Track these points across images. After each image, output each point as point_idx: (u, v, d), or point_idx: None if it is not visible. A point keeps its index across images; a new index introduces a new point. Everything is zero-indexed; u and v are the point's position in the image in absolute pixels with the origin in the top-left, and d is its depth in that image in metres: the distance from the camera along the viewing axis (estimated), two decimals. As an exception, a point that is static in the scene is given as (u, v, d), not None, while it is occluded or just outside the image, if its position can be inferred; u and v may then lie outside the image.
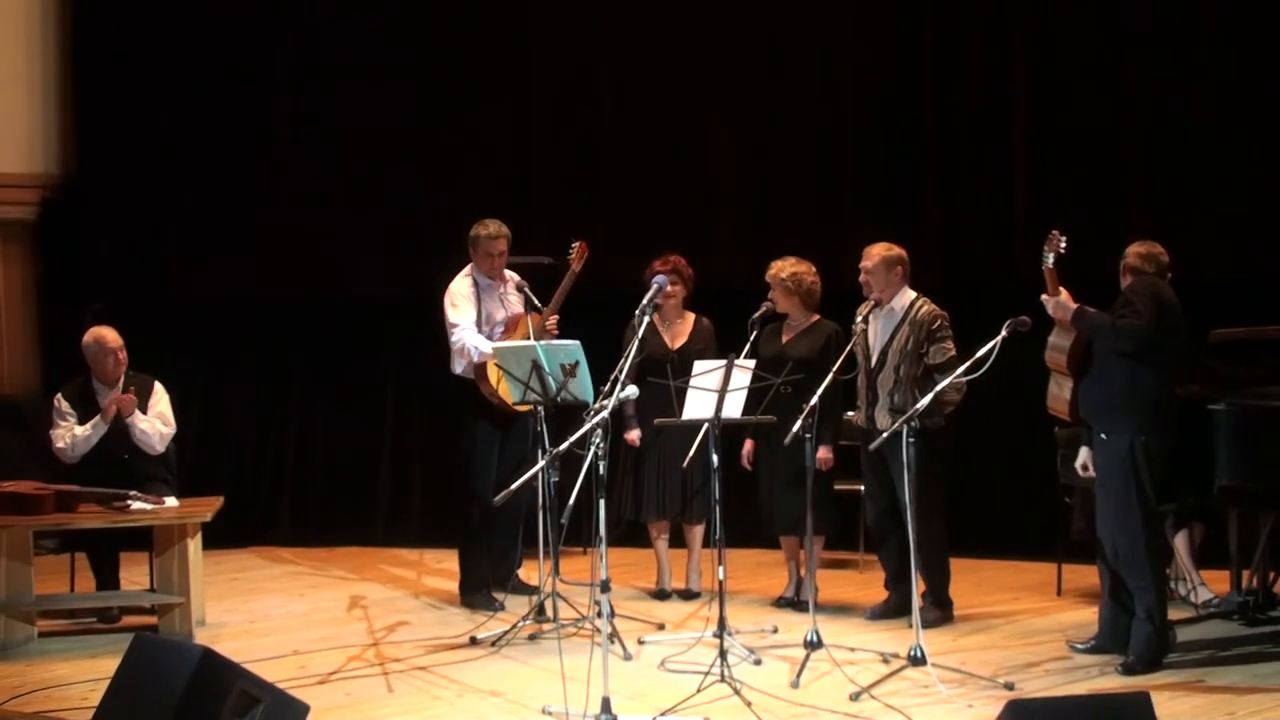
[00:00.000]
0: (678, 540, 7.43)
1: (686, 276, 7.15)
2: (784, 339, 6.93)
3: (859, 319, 6.49)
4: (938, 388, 5.92)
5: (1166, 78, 7.83)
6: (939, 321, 6.55)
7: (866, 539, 7.61)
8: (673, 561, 7.40)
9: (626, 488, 7.24)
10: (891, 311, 6.60)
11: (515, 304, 7.12)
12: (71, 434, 6.94)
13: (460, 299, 7.05)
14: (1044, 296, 5.84)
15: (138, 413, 6.96)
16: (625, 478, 7.24)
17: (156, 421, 7.06)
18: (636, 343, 6.01)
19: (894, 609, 6.68)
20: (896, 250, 6.61)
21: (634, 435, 7.14)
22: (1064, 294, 5.81)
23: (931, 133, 8.26)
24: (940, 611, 6.67)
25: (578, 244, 7.08)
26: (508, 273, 7.12)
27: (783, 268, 6.88)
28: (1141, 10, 7.86)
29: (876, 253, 6.59)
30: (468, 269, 7.14)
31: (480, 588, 7.10)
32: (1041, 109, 8.04)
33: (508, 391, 6.72)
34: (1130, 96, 7.88)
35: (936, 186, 8.27)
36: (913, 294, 6.65)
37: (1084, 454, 6.07)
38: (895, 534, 6.48)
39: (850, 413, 6.97)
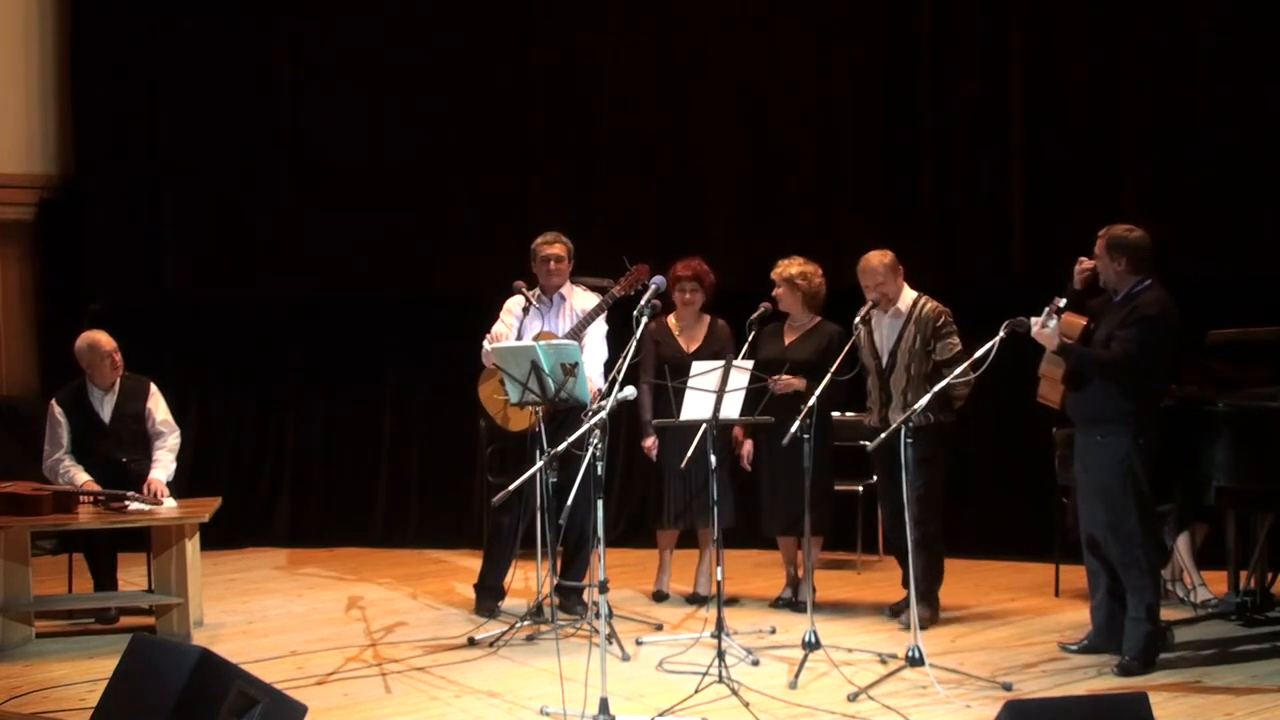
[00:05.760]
0: (683, 542, 7.41)
1: (707, 284, 7.08)
2: (786, 340, 6.93)
3: (858, 320, 6.49)
4: (936, 387, 5.92)
5: (1164, 77, 7.83)
6: (943, 318, 6.56)
7: (882, 539, 7.59)
8: (679, 563, 7.39)
9: (623, 491, 7.22)
10: (897, 312, 6.60)
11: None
12: (66, 467, 6.87)
13: (505, 314, 6.90)
14: (1035, 330, 5.76)
15: (164, 495, 6.89)
16: (622, 482, 7.21)
17: (166, 457, 7.03)
18: (635, 344, 6.00)
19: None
20: (889, 253, 6.61)
21: (650, 443, 7.11)
22: (1054, 325, 5.73)
23: (929, 132, 8.26)
24: (930, 612, 6.65)
25: (634, 268, 6.70)
26: (583, 291, 6.89)
27: (790, 265, 6.89)
28: (1139, 9, 7.86)
29: (877, 262, 6.55)
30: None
31: (496, 595, 7.01)
32: (1039, 108, 8.04)
33: (496, 404, 6.68)
34: (1128, 96, 7.88)
35: (934, 186, 8.28)
36: (913, 293, 6.65)
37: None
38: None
39: (860, 414, 6.97)
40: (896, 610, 6.79)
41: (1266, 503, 6.29)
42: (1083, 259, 6.01)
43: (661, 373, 6.83)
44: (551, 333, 6.78)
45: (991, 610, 7.01)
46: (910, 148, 8.32)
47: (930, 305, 6.60)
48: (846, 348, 6.42)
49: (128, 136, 9.14)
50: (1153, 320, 5.70)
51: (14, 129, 9.19)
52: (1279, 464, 5.99)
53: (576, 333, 6.69)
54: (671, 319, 7.17)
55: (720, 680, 5.53)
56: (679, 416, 6.17)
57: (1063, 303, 5.77)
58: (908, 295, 6.63)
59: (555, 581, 6.59)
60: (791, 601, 7.03)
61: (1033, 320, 5.71)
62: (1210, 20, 7.74)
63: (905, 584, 6.81)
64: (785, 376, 6.66)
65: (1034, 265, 7.95)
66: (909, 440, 5.75)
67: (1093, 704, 4.77)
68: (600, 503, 5.27)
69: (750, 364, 6.09)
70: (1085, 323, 5.93)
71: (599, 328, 6.83)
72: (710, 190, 8.68)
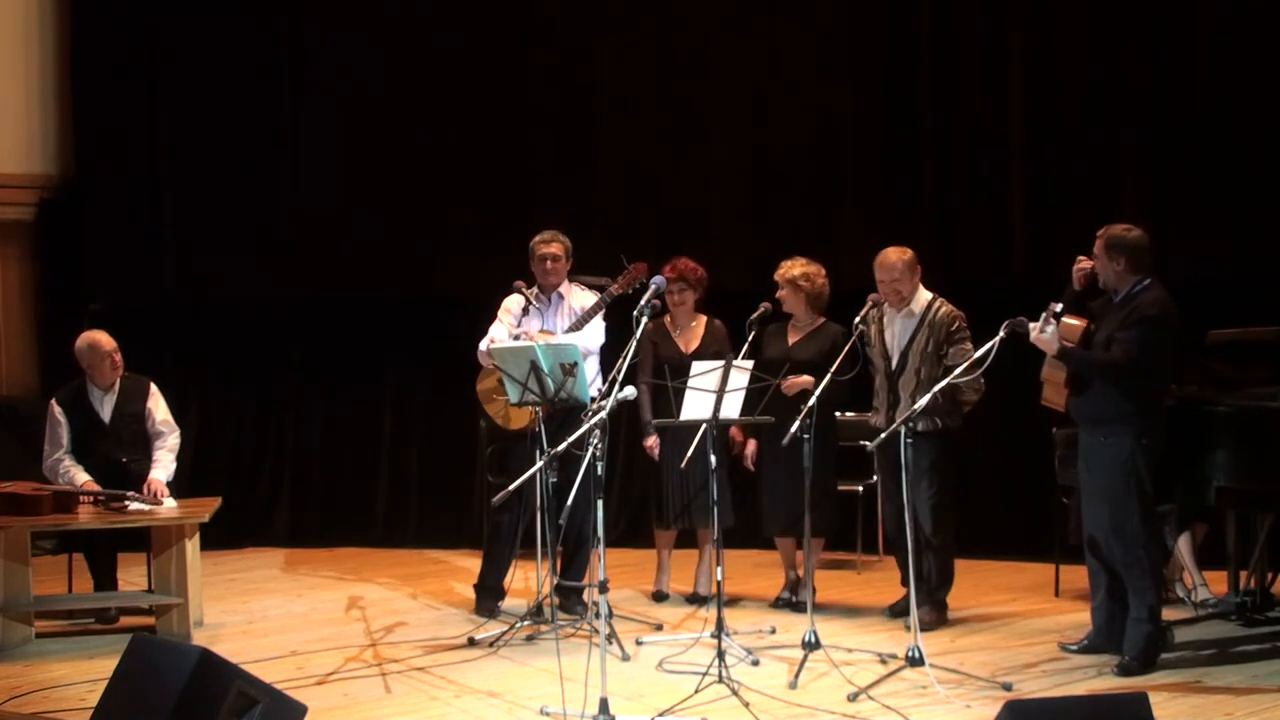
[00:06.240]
0: (678, 542, 7.42)
1: (695, 281, 7.09)
2: (790, 340, 6.92)
3: (858, 320, 6.46)
4: (936, 387, 5.91)
5: (1164, 78, 7.83)
6: (957, 323, 6.51)
7: (883, 539, 7.59)
8: (679, 563, 7.41)
9: (623, 491, 7.22)
10: (910, 313, 6.56)
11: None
12: (66, 467, 6.87)
13: (502, 313, 6.91)
14: (1034, 335, 5.77)
15: (165, 495, 6.89)
16: (621, 481, 7.21)
17: (166, 457, 7.03)
18: (634, 344, 6.00)
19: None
20: (909, 251, 6.56)
21: (652, 443, 7.12)
22: (1051, 331, 5.74)
23: (929, 132, 8.26)
24: (937, 614, 6.66)
25: (632, 266, 6.72)
26: (581, 290, 6.90)
27: (793, 267, 6.88)
28: (1139, 10, 7.86)
29: (895, 258, 6.50)
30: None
31: (496, 595, 7.00)
32: (1039, 108, 8.04)
33: (496, 403, 6.69)
34: (1128, 96, 7.88)
35: (934, 186, 8.28)
36: (929, 294, 6.60)
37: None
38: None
39: (862, 413, 6.96)
40: (896, 611, 6.78)
41: (1266, 503, 6.29)
42: (1081, 258, 6.01)
43: (660, 373, 6.83)
44: (550, 332, 6.78)
45: (991, 610, 7.01)
46: (910, 148, 8.31)
47: (945, 309, 6.55)
48: (847, 348, 6.40)
49: (128, 136, 9.14)
50: (1153, 321, 5.70)
51: (14, 129, 9.19)
52: (1279, 464, 6.00)
53: (573, 331, 6.69)
54: (668, 319, 7.17)
55: (720, 680, 5.53)
56: (679, 416, 6.17)
57: (1058, 308, 5.77)
58: (923, 296, 6.59)
59: (555, 581, 6.59)
60: (790, 601, 7.03)
61: (1031, 326, 5.72)
62: (1210, 20, 7.74)
63: (905, 583, 6.81)
64: (792, 377, 6.65)
65: (1034, 265, 7.95)
66: (909, 441, 5.75)
67: (1093, 704, 4.77)
68: (600, 503, 5.27)
69: (750, 364, 6.09)
70: (1085, 324, 5.92)
71: (598, 322, 6.81)
72: (710, 190, 8.68)
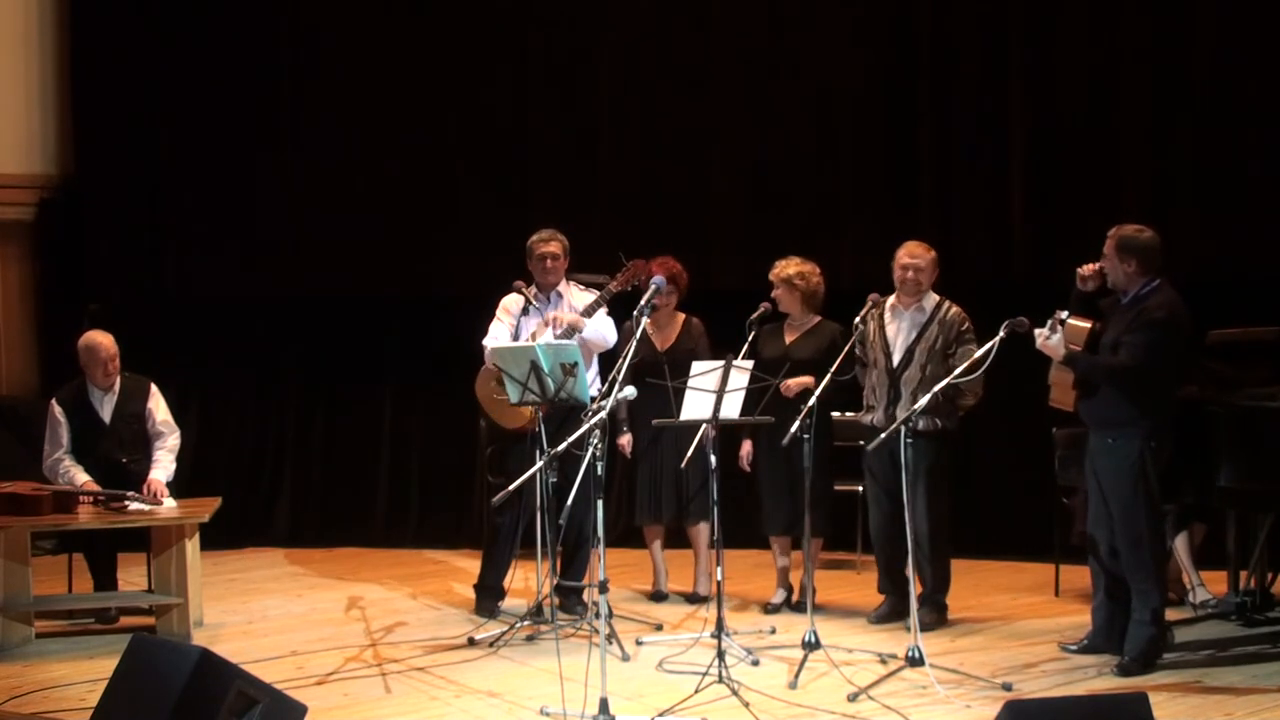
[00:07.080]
0: (675, 542, 7.43)
1: (681, 283, 7.13)
2: (788, 339, 6.91)
3: (858, 320, 6.46)
4: (937, 387, 5.91)
5: (1164, 78, 7.83)
6: (966, 324, 6.53)
7: (862, 538, 7.59)
8: (677, 564, 7.41)
9: (622, 491, 7.23)
10: (920, 309, 6.57)
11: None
12: (66, 467, 6.87)
13: (501, 312, 6.91)
14: (1040, 342, 5.78)
15: (164, 495, 6.90)
16: (620, 481, 7.22)
17: (166, 457, 7.03)
18: (634, 343, 6.01)
19: (898, 611, 6.65)
20: (934, 251, 6.60)
21: (625, 440, 7.13)
22: (1058, 337, 5.75)
23: (929, 132, 8.26)
24: (937, 615, 6.66)
25: (631, 264, 6.76)
26: (579, 289, 6.90)
27: (787, 266, 6.88)
28: (1139, 11, 7.86)
29: (922, 251, 6.56)
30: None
31: (496, 596, 7.00)
32: (1039, 109, 8.04)
33: (495, 402, 6.69)
34: (1128, 96, 7.88)
35: (934, 187, 8.27)
36: (935, 295, 6.62)
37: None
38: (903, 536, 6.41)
39: (862, 413, 6.97)
40: (878, 617, 6.74)
41: (1266, 503, 6.29)
42: (1087, 266, 5.97)
43: (637, 372, 6.80)
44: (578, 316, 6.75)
45: (991, 611, 7.01)
46: (910, 148, 8.31)
47: (955, 310, 6.56)
48: (847, 347, 6.40)
49: (128, 136, 9.14)
50: (1160, 324, 5.68)
51: (14, 129, 9.19)
52: (1279, 464, 6.00)
53: (571, 330, 6.68)
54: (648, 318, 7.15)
55: (720, 680, 5.53)
56: (672, 416, 6.17)
57: (1064, 314, 5.77)
58: (931, 295, 6.61)
59: (555, 581, 6.60)
60: (779, 608, 7.01)
61: (1037, 332, 5.72)
62: (1210, 20, 7.73)
63: (882, 590, 6.79)
64: (791, 380, 6.64)
65: (1034, 265, 7.96)
66: (909, 441, 5.75)
67: (1093, 704, 4.77)
68: (600, 503, 5.27)
69: (750, 364, 6.09)
70: (1091, 325, 5.91)
71: (602, 316, 6.79)
72: (710, 190, 8.68)
